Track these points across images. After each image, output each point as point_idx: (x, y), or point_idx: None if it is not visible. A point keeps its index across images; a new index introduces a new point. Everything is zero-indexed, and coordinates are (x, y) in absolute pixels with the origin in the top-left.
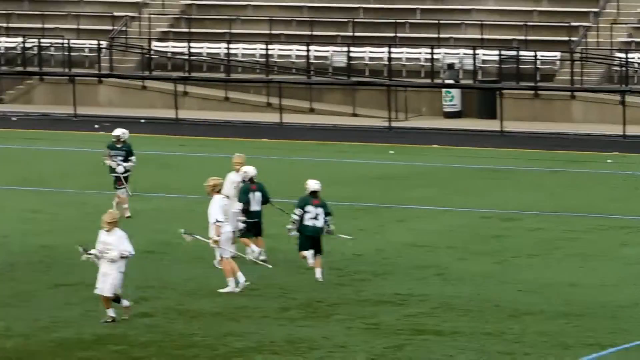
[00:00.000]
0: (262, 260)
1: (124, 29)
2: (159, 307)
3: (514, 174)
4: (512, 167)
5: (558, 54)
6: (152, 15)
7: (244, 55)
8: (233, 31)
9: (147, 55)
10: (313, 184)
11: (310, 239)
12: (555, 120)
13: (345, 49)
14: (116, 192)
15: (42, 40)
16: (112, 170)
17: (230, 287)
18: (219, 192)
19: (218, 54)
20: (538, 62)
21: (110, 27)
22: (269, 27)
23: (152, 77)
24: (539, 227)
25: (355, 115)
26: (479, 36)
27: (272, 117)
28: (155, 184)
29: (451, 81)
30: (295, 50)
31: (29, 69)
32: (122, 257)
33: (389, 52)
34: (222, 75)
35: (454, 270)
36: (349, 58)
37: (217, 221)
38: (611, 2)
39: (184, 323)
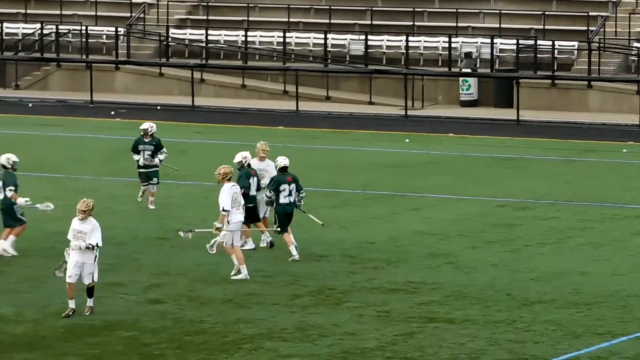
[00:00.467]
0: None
1: (141, 15)
2: (170, 294)
3: (530, 163)
4: (528, 156)
5: (576, 44)
6: (170, 3)
7: (261, 42)
8: (251, 19)
9: (165, 42)
10: (282, 160)
11: (288, 216)
12: (572, 109)
13: (362, 37)
14: (142, 187)
15: (59, 27)
16: (141, 165)
17: (244, 273)
18: (229, 180)
19: (235, 41)
20: (555, 51)
21: (128, 14)
22: (287, 14)
23: (169, 64)
24: (554, 216)
25: (371, 103)
26: (496, 25)
27: (288, 105)
28: (170, 171)
29: (468, 70)
30: (313, 38)
31: (46, 55)
32: (87, 248)
33: (407, 41)
34: (239, 63)
35: (467, 258)
36: (367, 46)
37: (224, 210)
38: None
39: (194, 309)
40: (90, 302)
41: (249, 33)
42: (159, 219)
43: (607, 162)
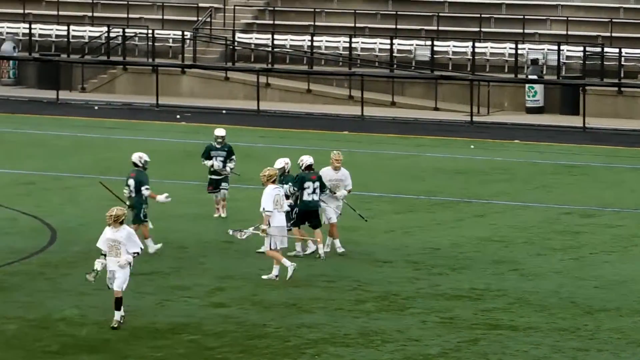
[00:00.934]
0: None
1: (208, 20)
2: (234, 298)
3: (595, 170)
4: (593, 164)
5: None
6: (236, 7)
7: (327, 47)
8: (317, 24)
9: (231, 47)
10: (307, 159)
11: (309, 213)
12: (638, 117)
13: (429, 42)
14: (215, 196)
15: (126, 30)
16: (212, 172)
17: (273, 273)
18: (273, 182)
19: (301, 46)
20: (622, 59)
21: (194, 18)
22: (353, 20)
23: (235, 69)
24: (618, 224)
25: (437, 109)
26: (563, 32)
27: (353, 110)
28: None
29: (534, 77)
30: (379, 43)
31: (113, 58)
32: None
33: (473, 47)
34: (304, 68)
35: (531, 266)
36: (433, 52)
37: (266, 211)
38: None
39: (257, 314)
40: (117, 316)
41: (315, 38)
42: (223, 223)
43: None
